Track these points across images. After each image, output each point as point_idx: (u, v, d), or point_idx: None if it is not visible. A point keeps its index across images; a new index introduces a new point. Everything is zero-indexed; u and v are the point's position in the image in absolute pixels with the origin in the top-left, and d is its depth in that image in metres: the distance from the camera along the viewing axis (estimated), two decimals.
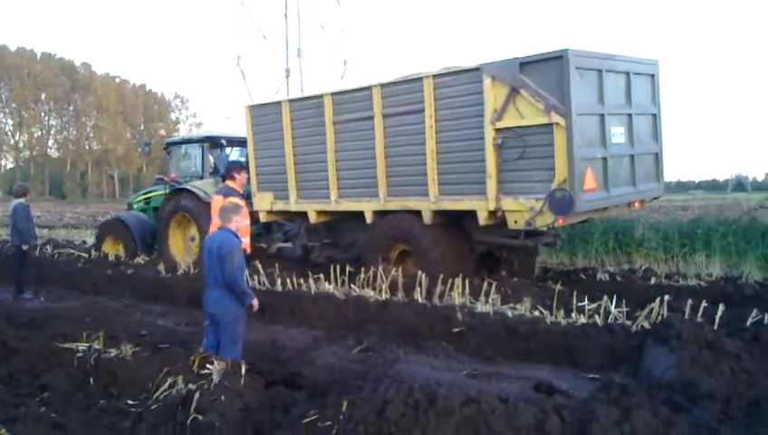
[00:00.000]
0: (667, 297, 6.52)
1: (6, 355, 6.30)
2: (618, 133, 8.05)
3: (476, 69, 7.88)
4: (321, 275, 8.85)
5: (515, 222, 7.86)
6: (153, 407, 4.78)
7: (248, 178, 9.03)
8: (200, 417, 4.39)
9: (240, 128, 12.11)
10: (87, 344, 5.98)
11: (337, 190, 9.60)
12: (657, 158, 8.91)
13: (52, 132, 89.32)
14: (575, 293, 7.24)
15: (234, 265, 5.42)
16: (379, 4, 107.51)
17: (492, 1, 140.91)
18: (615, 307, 6.65)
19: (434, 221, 8.66)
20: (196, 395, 4.57)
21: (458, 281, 7.52)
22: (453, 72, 8.27)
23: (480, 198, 8.04)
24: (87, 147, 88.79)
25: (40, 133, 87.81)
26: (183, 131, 79.13)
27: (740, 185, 66.31)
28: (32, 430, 4.20)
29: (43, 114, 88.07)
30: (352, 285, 8.36)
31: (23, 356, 6.16)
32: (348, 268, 8.73)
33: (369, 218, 9.28)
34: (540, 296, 7.48)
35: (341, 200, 9.59)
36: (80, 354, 5.78)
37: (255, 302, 5.64)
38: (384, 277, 8.12)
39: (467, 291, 7.45)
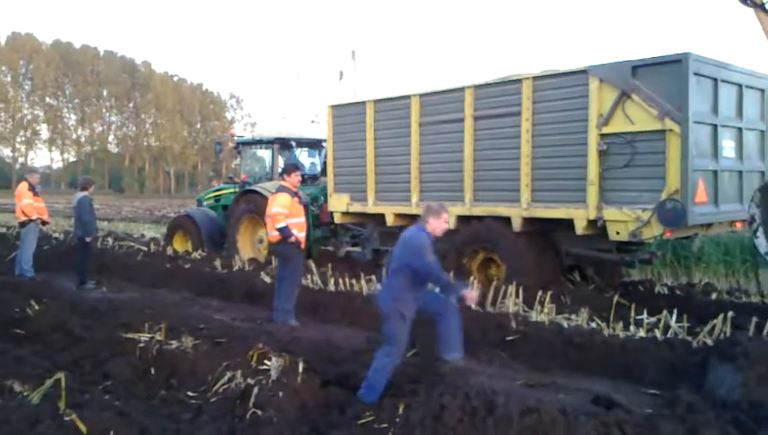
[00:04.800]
0: (730, 314, 6.33)
1: (71, 343, 6.55)
2: (728, 147, 7.72)
3: (583, 71, 7.64)
4: (374, 277, 8.87)
5: (617, 233, 7.50)
6: (212, 399, 4.91)
7: (300, 180, 9.08)
8: (259, 412, 4.47)
9: (297, 128, 12.16)
10: (149, 335, 6.15)
11: (419, 193, 9.47)
12: (764, 176, 8.46)
13: (112, 128, 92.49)
14: (633, 305, 7.09)
15: (423, 259, 5.05)
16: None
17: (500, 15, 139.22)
18: (675, 322, 6.47)
19: (523, 229, 8.30)
20: (255, 390, 4.66)
21: (512, 289, 7.45)
22: (556, 73, 8.00)
23: (578, 207, 7.73)
24: (145, 143, 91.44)
25: (101, 129, 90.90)
26: (242, 130, 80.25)
27: None
28: (98, 416, 4.32)
29: (104, 110, 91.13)
30: None
31: (87, 344, 6.38)
32: None
33: (451, 224, 8.83)
34: (596, 307, 7.33)
35: (423, 203, 9.28)
36: (142, 345, 5.96)
37: (470, 294, 5.16)
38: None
39: (521, 299, 7.36)
